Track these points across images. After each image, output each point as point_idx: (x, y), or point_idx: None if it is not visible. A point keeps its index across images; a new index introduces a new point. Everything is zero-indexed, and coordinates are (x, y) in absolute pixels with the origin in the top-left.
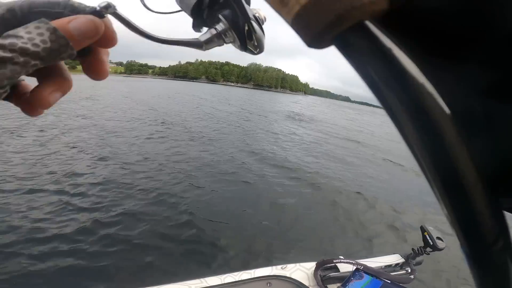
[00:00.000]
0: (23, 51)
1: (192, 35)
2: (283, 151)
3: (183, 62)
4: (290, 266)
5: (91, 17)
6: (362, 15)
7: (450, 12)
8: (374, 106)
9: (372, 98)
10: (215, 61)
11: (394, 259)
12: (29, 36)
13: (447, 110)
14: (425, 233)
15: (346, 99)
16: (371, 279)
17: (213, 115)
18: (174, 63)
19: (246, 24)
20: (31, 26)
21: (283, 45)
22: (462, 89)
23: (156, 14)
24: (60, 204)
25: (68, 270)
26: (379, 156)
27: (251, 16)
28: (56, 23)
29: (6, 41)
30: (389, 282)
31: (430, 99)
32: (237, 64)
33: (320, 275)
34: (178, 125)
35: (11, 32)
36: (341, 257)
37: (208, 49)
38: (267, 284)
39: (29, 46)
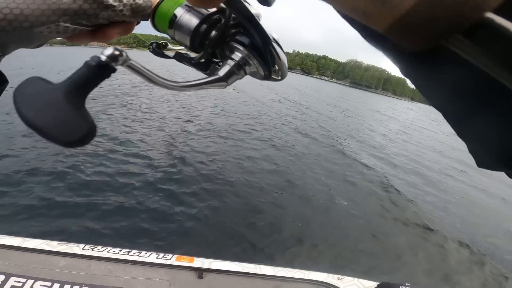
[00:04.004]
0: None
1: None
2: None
3: None
4: (347, 279)
5: None
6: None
7: None
8: None
9: None
10: (312, 54)
11: None
12: None
13: None
14: None
15: None
16: None
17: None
18: None
19: (269, 49)
20: None
21: None
22: None
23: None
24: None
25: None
26: None
27: (272, 38)
28: None
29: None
30: None
31: None
32: (335, 59)
33: None
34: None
35: None
36: (408, 284)
37: (230, 83)
38: None
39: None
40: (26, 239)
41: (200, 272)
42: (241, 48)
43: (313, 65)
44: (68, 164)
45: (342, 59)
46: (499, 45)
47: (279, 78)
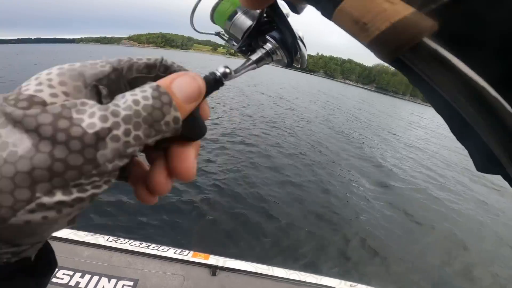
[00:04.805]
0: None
1: None
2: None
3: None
4: (360, 286)
5: (193, 74)
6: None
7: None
8: None
9: None
10: (337, 57)
11: None
12: (134, 98)
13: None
14: None
15: None
16: None
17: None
18: None
19: (294, 44)
20: (137, 89)
21: None
22: None
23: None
24: None
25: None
26: None
27: (297, 36)
28: (159, 82)
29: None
30: None
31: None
32: (360, 63)
33: None
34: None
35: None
36: None
37: (260, 66)
38: None
39: (131, 112)
40: None
41: (214, 269)
42: (272, 40)
43: (337, 69)
44: None
45: (368, 63)
46: (433, 62)
47: (299, 66)
